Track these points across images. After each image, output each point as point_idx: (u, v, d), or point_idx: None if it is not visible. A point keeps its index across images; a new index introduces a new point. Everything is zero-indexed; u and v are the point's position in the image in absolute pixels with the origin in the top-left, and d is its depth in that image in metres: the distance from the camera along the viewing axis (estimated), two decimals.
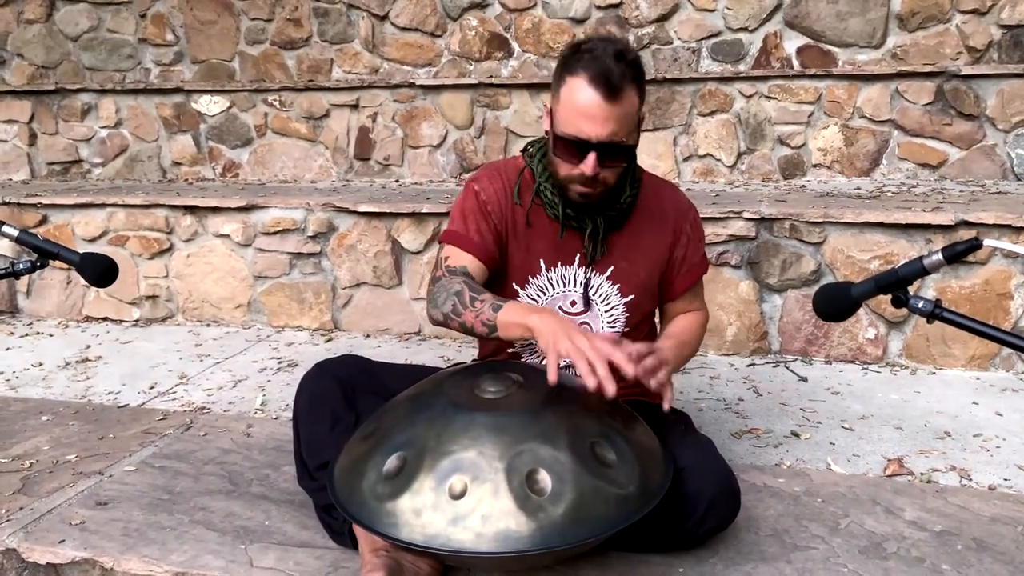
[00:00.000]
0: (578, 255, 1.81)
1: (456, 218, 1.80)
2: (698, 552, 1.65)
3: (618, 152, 1.63)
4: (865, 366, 2.84)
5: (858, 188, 3.62)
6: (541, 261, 1.81)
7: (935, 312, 1.15)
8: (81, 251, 1.62)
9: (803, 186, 3.80)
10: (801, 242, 2.89)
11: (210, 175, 4.69)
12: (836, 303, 1.32)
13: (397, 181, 4.40)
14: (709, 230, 2.92)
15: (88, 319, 3.69)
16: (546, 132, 1.73)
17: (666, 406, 1.56)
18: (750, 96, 4.00)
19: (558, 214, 1.76)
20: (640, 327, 1.89)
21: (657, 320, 2.00)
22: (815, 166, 3.97)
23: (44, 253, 1.53)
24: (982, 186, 3.59)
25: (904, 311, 2.78)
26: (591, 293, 1.82)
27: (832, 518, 1.79)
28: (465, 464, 1.41)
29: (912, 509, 1.82)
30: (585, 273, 1.81)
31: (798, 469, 2.08)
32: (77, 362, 3.13)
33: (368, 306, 3.41)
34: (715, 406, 2.53)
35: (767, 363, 2.90)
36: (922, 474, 2.05)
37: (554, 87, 1.67)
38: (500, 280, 1.84)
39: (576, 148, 1.61)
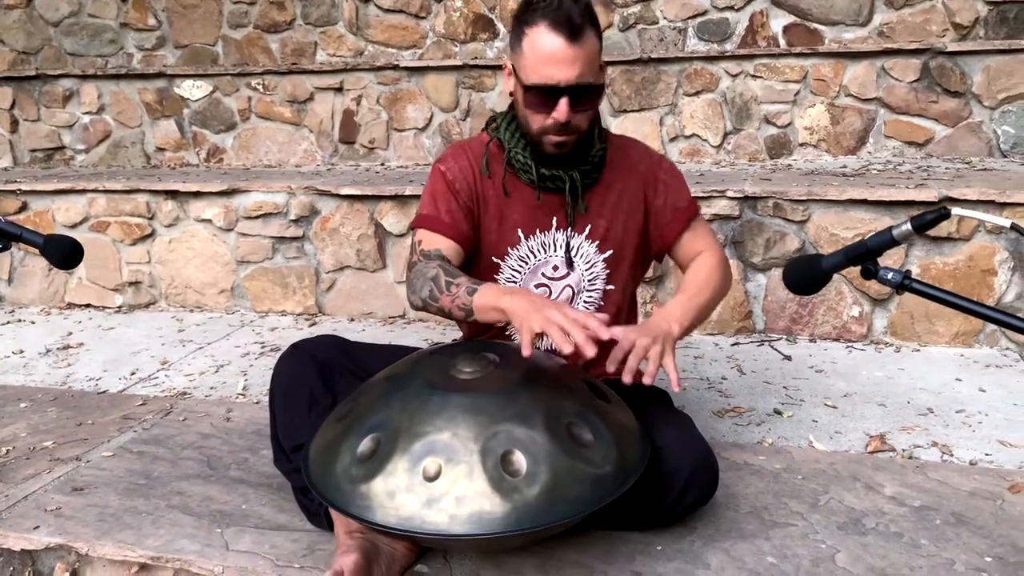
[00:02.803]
0: (555, 219, 1.79)
1: (426, 202, 1.79)
2: (677, 530, 1.64)
3: (587, 93, 1.63)
4: (850, 344, 2.84)
5: (844, 167, 3.60)
6: (519, 231, 1.80)
7: (904, 283, 1.13)
8: (50, 229, 1.60)
9: (789, 165, 3.78)
10: (785, 220, 2.87)
11: (194, 160, 4.65)
12: (807, 276, 1.31)
13: (383, 164, 4.37)
14: None
15: (71, 306, 3.66)
16: (510, 94, 1.73)
17: (676, 388, 1.55)
18: (736, 75, 3.97)
19: (533, 178, 1.75)
20: (620, 286, 1.86)
21: (640, 299, 1.98)
22: (801, 145, 3.95)
23: (6, 235, 1.50)
24: (968, 163, 3.57)
25: (889, 288, 2.78)
26: (572, 254, 1.81)
27: (812, 495, 1.79)
28: (439, 446, 1.40)
29: (892, 485, 1.81)
30: (565, 235, 1.80)
31: (780, 447, 2.07)
32: (58, 349, 3.11)
33: (352, 290, 3.39)
34: (698, 385, 2.52)
35: (751, 342, 2.89)
36: (904, 450, 2.05)
37: (513, 44, 1.67)
38: (478, 256, 1.83)
39: (547, 95, 1.61)
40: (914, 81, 3.77)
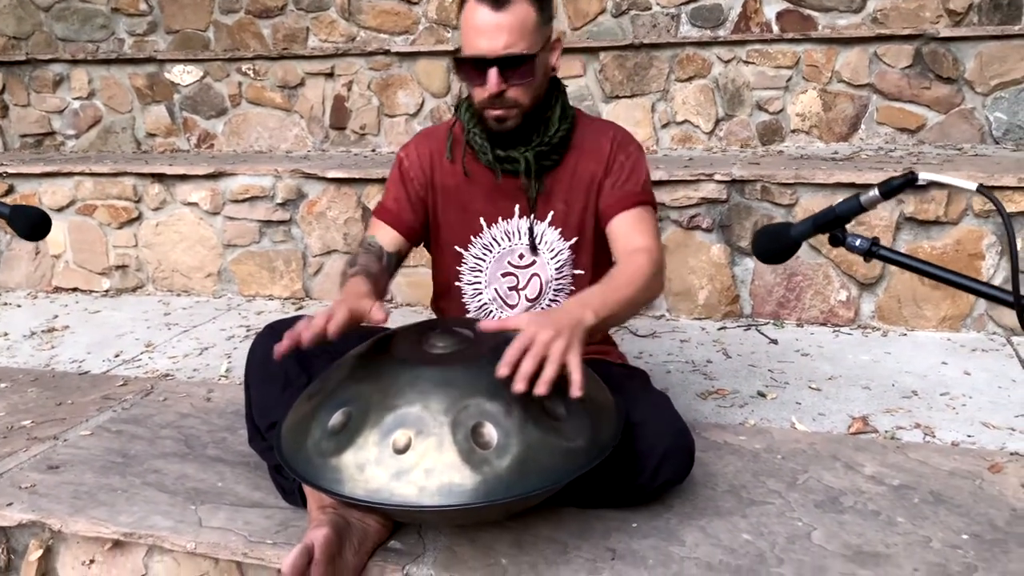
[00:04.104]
0: (517, 206, 1.78)
1: (385, 189, 1.85)
2: (653, 507, 1.63)
3: (518, 64, 1.59)
4: (836, 328, 2.82)
5: (835, 153, 3.58)
6: (481, 219, 1.80)
7: (872, 250, 1.12)
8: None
9: (781, 151, 3.76)
10: (773, 204, 2.86)
11: (185, 146, 4.63)
12: (775, 244, 1.29)
13: (373, 150, 4.35)
14: (680, 193, 2.90)
15: (57, 290, 3.65)
16: None
17: (575, 392, 1.32)
18: (728, 61, 3.95)
19: (489, 158, 1.73)
20: (590, 269, 1.83)
21: None
22: (793, 131, 3.92)
23: None
24: (960, 150, 3.55)
25: (877, 272, 2.77)
26: (537, 241, 1.79)
27: (791, 474, 1.77)
28: (410, 418, 1.39)
29: (872, 464, 1.80)
30: (528, 222, 1.78)
31: (761, 428, 2.06)
32: (43, 332, 3.09)
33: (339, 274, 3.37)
34: (683, 368, 2.51)
35: (738, 326, 2.87)
36: (886, 431, 2.04)
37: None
38: (441, 246, 1.86)
39: (476, 67, 1.60)
40: (907, 67, 3.75)
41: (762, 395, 2.29)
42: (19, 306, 3.46)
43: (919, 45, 3.71)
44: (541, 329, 1.34)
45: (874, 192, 1.13)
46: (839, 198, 2.73)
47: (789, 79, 3.89)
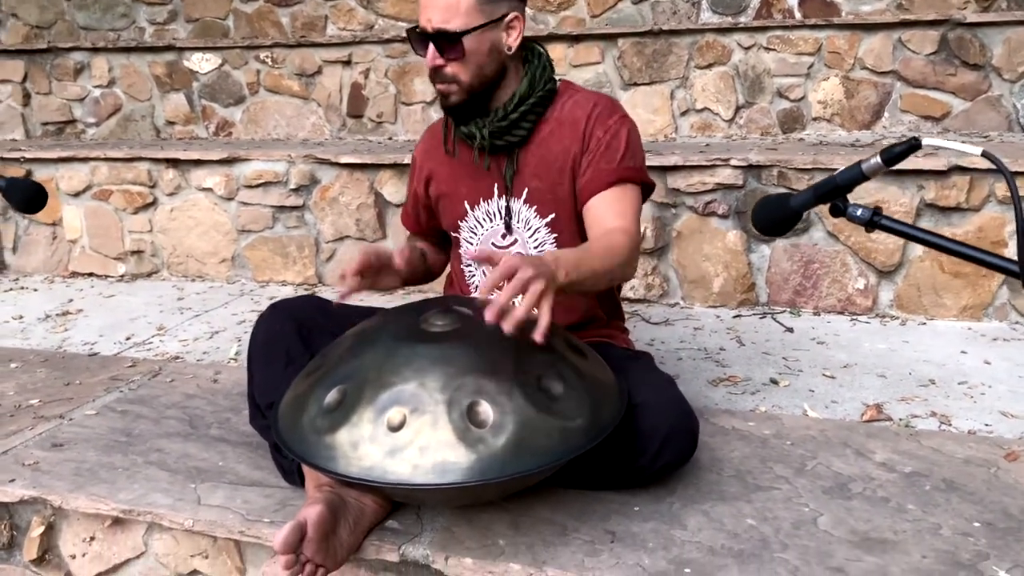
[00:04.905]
0: (496, 186, 1.77)
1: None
2: (656, 491, 1.60)
3: (450, 40, 1.59)
4: (854, 317, 2.77)
5: (857, 140, 3.51)
6: (465, 203, 1.80)
7: (873, 220, 1.08)
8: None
9: (802, 139, 3.69)
10: (790, 190, 2.80)
11: (203, 134, 4.63)
12: (774, 214, 1.25)
13: (390, 138, 4.33)
14: (695, 178, 2.86)
15: (74, 275, 3.67)
16: None
17: (539, 338, 1.29)
18: (749, 48, 3.88)
19: (459, 135, 1.76)
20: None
21: None
22: (815, 119, 3.85)
23: None
24: (986, 137, 3.47)
25: (896, 260, 2.71)
26: (514, 221, 1.77)
27: (799, 460, 1.73)
28: (405, 396, 1.37)
29: (883, 452, 1.75)
30: (505, 200, 1.76)
31: (771, 414, 2.02)
32: (57, 315, 3.11)
33: (352, 260, 3.35)
34: (695, 355, 2.46)
35: (754, 314, 2.82)
36: (900, 419, 1.99)
37: None
38: (444, 231, 1.94)
39: (418, 41, 1.64)
40: (932, 54, 3.66)
41: (775, 382, 2.24)
42: (35, 290, 3.48)
43: (945, 31, 3.63)
44: (523, 265, 1.29)
45: (876, 159, 1.09)
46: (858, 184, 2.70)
47: (811, 66, 3.82)
